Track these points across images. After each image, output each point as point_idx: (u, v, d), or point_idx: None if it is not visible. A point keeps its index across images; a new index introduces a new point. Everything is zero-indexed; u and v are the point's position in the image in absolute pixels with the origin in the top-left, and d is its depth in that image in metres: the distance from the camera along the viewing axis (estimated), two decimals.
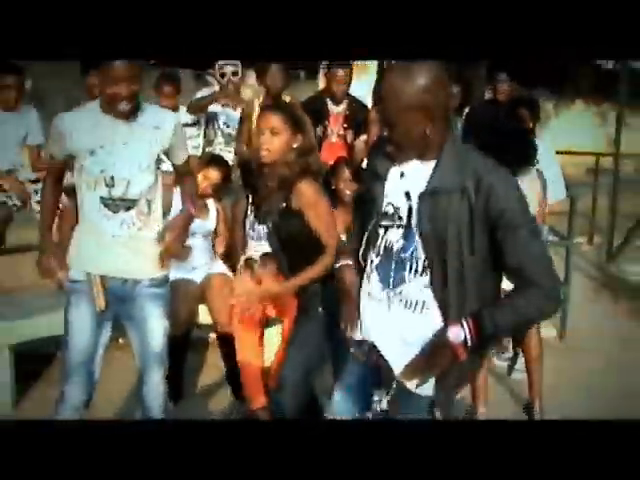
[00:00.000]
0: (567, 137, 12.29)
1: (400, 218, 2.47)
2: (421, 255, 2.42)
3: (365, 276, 2.62)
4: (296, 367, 3.56)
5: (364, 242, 2.60)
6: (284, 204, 3.48)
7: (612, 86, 10.62)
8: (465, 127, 6.39)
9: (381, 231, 2.53)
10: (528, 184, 4.56)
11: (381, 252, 2.53)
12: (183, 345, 4.71)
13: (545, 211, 4.77)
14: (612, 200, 8.58)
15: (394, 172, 2.52)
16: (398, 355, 2.48)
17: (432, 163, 2.42)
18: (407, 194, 2.45)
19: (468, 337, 2.31)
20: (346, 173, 4.73)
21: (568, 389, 4.99)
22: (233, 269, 4.87)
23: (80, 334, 3.25)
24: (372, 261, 2.57)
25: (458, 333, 2.32)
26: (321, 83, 6.35)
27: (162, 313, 3.41)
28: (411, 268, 2.45)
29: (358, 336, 2.66)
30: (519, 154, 4.55)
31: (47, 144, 3.43)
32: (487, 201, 2.30)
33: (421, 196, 2.40)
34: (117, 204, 3.21)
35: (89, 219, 3.26)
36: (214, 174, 4.91)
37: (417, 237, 2.42)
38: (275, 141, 3.43)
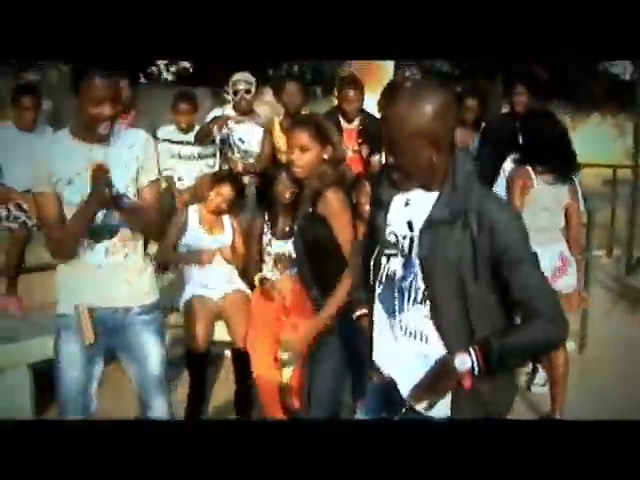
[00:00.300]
0: (584, 149, 12.25)
1: (402, 247, 2.45)
2: (421, 285, 2.40)
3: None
4: (323, 386, 3.56)
5: (371, 270, 2.58)
6: (310, 209, 3.48)
7: (629, 97, 10.57)
8: (482, 141, 6.38)
9: (384, 260, 2.51)
10: (561, 193, 4.57)
11: (384, 280, 2.52)
12: (202, 363, 4.71)
13: (581, 222, 4.77)
14: (631, 212, 8.53)
15: (398, 200, 2.50)
16: (405, 380, 2.46)
17: (434, 195, 2.39)
18: (409, 223, 2.43)
19: (475, 365, 2.28)
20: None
21: (587, 400, 4.95)
22: (251, 286, 4.90)
23: (72, 370, 3.15)
24: (376, 290, 2.56)
25: (465, 361, 2.28)
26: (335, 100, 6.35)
27: (158, 338, 3.30)
28: (409, 297, 2.43)
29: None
30: (563, 161, 4.57)
31: (33, 184, 3.15)
32: (491, 237, 2.28)
33: (423, 227, 2.38)
34: (100, 233, 3.11)
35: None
36: (227, 190, 4.92)
37: (417, 267, 2.39)
38: (306, 157, 3.44)
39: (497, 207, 2.36)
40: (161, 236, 3.62)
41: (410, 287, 2.42)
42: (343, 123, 5.82)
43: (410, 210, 2.46)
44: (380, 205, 2.56)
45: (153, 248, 4.97)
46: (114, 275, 3.16)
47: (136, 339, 3.24)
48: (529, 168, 4.52)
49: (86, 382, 3.19)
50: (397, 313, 2.47)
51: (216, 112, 6.19)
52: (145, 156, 3.19)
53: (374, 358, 2.61)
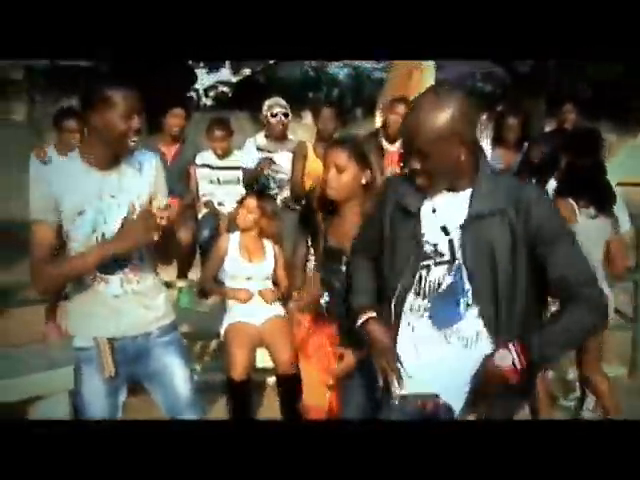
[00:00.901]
0: (632, 167, 12.07)
1: (441, 254, 2.44)
2: (469, 286, 2.40)
3: (406, 322, 2.54)
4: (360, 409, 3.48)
5: (400, 286, 2.52)
6: None
7: None
8: (524, 161, 6.24)
9: (423, 272, 2.48)
10: (603, 227, 4.43)
11: (427, 293, 2.48)
12: (243, 391, 4.65)
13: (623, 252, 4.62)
14: None
15: (425, 209, 2.48)
16: (457, 396, 2.44)
17: (464, 193, 2.42)
18: (444, 228, 2.43)
19: (516, 359, 2.29)
20: None
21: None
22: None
23: (97, 402, 3.05)
24: (416, 305, 2.51)
25: (505, 356, 2.30)
26: (378, 121, 6.31)
27: (180, 359, 3.21)
28: (463, 302, 2.42)
29: (402, 391, 2.57)
30: (602, 191, 4.43)
31: (34, 211, 2.90)
32: (526, 220, 2.32)
33: (463, 226, 2.39)
34: (112, 266, 2.95)
35: (86, 287, 3.00)
36: (251, 202, 4.90)
37: (464, 269, 2.40)
38: (342, 179, 3.29)
39: (532, 191, 2.43)
40: (169, 260, 3.47)
41: (462, 292, 2.42)
42: (385, 144, 5.77)
43: (439, 216, 2.45)
44: (407, 217, 2.52)
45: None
46: (132, 302, 3.05)
47: (159, 363, 3.16)
48: (572, 202, 4.36)
49: (113, 412, 3.10)
50: (451, 323, 2.45)
51: (249, 146, 6.24)
52: (157, 181, 3.08)
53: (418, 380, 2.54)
